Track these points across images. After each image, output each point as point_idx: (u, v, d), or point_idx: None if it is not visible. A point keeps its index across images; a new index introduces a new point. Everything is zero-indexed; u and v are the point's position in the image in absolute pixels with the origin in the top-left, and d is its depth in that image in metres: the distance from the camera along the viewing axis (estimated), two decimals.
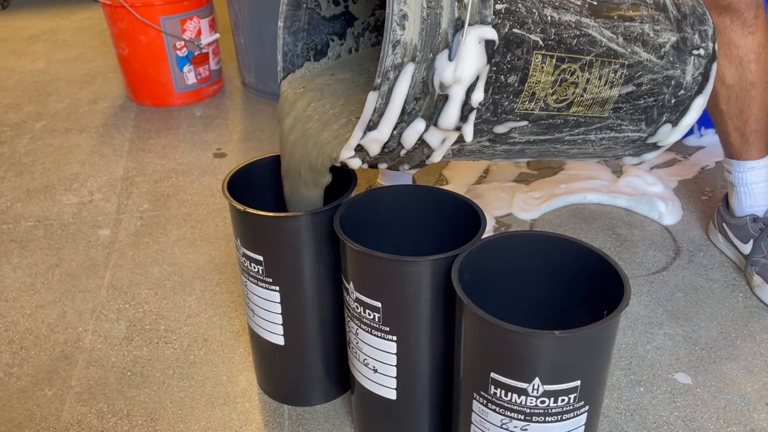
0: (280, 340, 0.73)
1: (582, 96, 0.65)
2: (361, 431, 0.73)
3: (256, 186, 0.74)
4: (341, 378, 0.78)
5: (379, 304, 0.61)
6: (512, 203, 1.13)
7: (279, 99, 0.72)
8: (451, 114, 0.58)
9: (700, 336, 0.87)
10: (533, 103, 0.63)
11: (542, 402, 0.52)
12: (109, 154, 1.39)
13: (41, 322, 0.92)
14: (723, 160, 0.98)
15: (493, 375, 0.53)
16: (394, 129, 0.58)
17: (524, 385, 0.52)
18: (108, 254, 1.07)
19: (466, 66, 0.56)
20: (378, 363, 0.64)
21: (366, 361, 0.65)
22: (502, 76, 0.59)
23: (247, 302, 0.74)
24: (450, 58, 0.56)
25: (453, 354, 0.61)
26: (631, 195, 1.14)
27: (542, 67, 0.61)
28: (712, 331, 0.88)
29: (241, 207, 0.65)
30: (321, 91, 0.71)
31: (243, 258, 0.70)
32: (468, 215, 0.65)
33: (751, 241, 0.95)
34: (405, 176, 1.06)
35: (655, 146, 0.78)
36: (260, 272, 0.69)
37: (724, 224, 1.00)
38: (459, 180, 1.20)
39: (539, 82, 0.61)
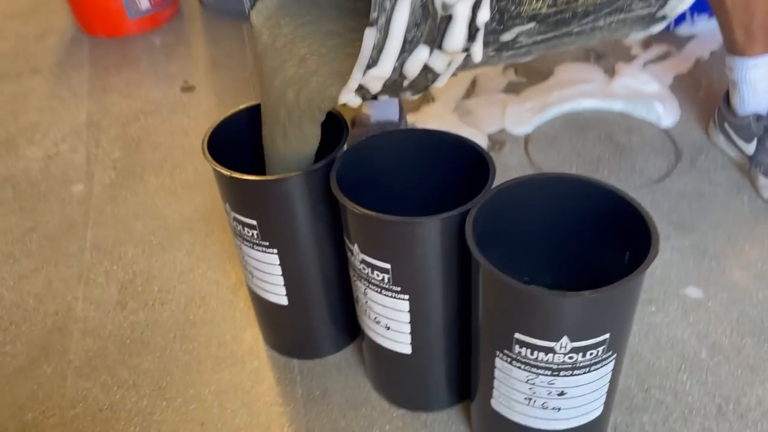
0: (283, 300, 0.70)
1: None
2: (375, 381, 0.72)
3: (238, 140, 0.68)
4: (349, 326, 0.75)
5: (388, 266, 0.57)
6: (504, 118, 1.08)
7: (253, 35, 0.65)
8: (457, 35, 0.52)
9: (707, 246, 0.85)
10: (540, 2, 0.57)
11: (570, 358, 0.50)
12: (68, 98, 1.29)
13: (27, 293, 0.88)
14: (725, 58, 0.92)
15: (517, 335, 0.51)
16: (396, 62, 0.53)
17: (551, 344, 0.50)
18: (85, 212, 1.01)
19: None
20: (390, 321, 0.62)
21: (377, 320, 0.63)
22: None
23: (243, 264, 0.70)
24: None
25: (469, 304, 0.58)
26: (627, 98, 1.09)
27: None
28: (719, 240, 0.86)
29: (226, 172, 0.60)
30: (302, 21, 0.64)
31: (234, 222, 0.65)
32: (473, 159, 0.60)
33: (755, 141, 0.92)
34: (391, 105, 1.00)
35: (663, 18, 0.72)
36: (255, 236, 0.64)
37: (725, 124, 0.96)
38: (446, 96, 1.14)
39: None
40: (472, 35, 0.52)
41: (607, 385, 0.55)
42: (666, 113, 1.05)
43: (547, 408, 0.54)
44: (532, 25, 0.58)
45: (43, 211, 1.02)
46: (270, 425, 0.70)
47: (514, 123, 1.07)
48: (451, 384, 0.67)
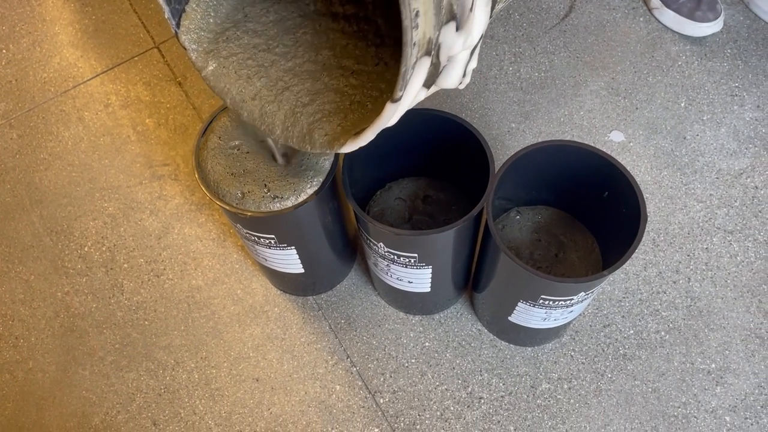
0: (299, 270, 0.76)
1: None
2: (390, 301, 0.84)
3: None
4: (350, 254, 0.84)
5: (415, 255, 0.65)
6: None
7: (200, 73, 0.60)
8: (453, 76, 0.54)
9: (619, 83, 0.96)
10: None
11: (584, 297, 0.64)
12: None
13: (11, 302, 0.88)
14: None
15: (542, 295, 0.63)
16: None
17: (571, 298, 0.63)
18: (11, 189, 0.94)
19: (476, 32, 0.50)
20: (413, 280, 0.71)
21: (401, 279, 0.72)
22: None
23: (255, 254, 0.74)
24: (457, 30, 0.50)
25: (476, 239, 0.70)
26: None
27: None
28: (627, 75, 0.97)
29: (239, 211, 0.61)
30: (247, 47, 0.60)
31: (248, 235, 0.68)
32: (464, 135, 0.65)
33: None
34: None
35: None
36: (272, 243, 0.68)
37: None
38: None
39: None
40: (465, 73, 0.54)
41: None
42: None
43: (557, 320, 0.70)
44: None
45: None
46: (315, 362, 0.82)
47: None
48: (457, 289, 0.81)
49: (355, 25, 0.62)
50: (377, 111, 0.55)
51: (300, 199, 0.62)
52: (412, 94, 0.50)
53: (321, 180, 0.62)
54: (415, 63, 0.48)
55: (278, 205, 0.61)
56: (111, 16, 1.09)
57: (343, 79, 0.59)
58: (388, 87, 0.58)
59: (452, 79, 0.54)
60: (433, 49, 0.49)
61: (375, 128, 0.53)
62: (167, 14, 0.58)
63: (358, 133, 0.54)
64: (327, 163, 0.63)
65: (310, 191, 0.62)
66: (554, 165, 0.66)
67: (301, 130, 0.58)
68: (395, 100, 0.49)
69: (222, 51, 0.60)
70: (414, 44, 0.46)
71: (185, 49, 0.60)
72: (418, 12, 0.45)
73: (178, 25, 0.59)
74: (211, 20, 0.61)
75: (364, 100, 0.58)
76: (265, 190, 0.62)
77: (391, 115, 0.51)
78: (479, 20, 0.50)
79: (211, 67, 0.60)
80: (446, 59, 0.51)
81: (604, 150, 0.91)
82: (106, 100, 1.01)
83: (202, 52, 0.60)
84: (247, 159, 0.63)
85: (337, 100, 0.58)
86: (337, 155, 0.64)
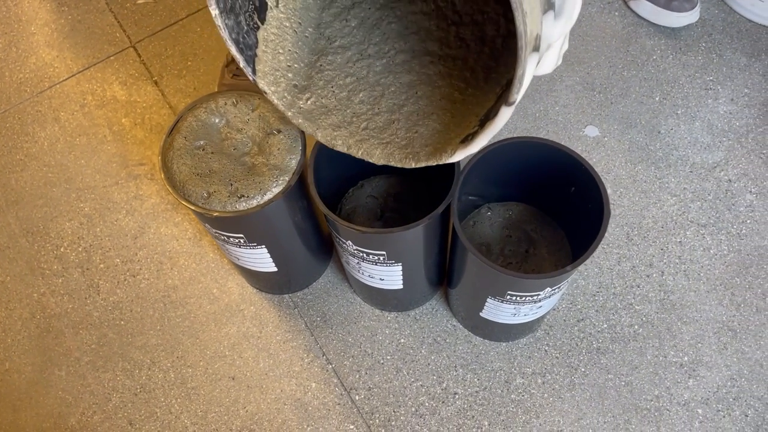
0: (272, 269, 0.76)
1: None
2: (366, 299, 0.84)
3: None
4: (325, 251, 0.84)
5: (383, 252, 0.65)
6: None
7: (286, 112, 0.59)
8: (550, 62, 0.53)
9: (594, 78, 0.97)
10: None
11: (551, 292, 0.64)
12: None
13: None
14: None
15: (509, 291, 0.63)
16: None
17: (537, 294, 0.63)
18: None
19: (575, 15, 0.50)
20: (385, 278, 0.72)
21: (372, 276, 0.72)
22: None
23: (227, 252, 0.74)
24: (555, 17, 0.50)
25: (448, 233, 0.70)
26: None
27: None
28: (603, 69, 0.97)
29: (205, 211, 0.61)
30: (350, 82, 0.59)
31: (218, 234, 0.68)
32: None
33: None
34: None
35: None
36: (242, 242, 0.68)
37: None
38: None
39: None
40: (558, 58, 0.54)
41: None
42: None
43: (527, 315, 0.70)
44: None
45: None
46: (291, 360, 0.82)
47: None
48: (432, 285, 0.81)
49: (432, 3, 0.60)
50: (468, 108, 0.54)
51: (266, 198, 0.62)
52: (524, 91, 0.50)
53: (287, 179, 0.62)
54: (526, 59, 0.47)
55: (244, 204, 0.61)
56: (87, 15, 1.08)
57: (432, 66, 0.57)
58: (472, 76, 0.57)
59: (549, 65, 0.53)
60: (540, 44, 0.49)
61: (488, 134, 0.51)
62: (242, 63, 0.56)
63: (465, 140, 0.53)
64: (293, 162, 0.63)
65: (276, 190, 0.62)
66: (520, 162, 0.66)
67: (400, 142, 0.57)
68: (510, 104, 0.48)
69: (318, 82, 0.59)
70: (526, 46, 0.45)
71: (265, 93, 0.58)
72: (526, 13, 0.44)
73: (254, 71, 0.57)
74: (282, 58, 0.59)
75: (452, 92, 0.57)
76: (231, 190, 0.62)
77: (506, 118, 0.50)
78: (578, 2, 0.49)
79: (308, 102, 0.59)
80: (545, 48, 0.51)
81: (579, 145, 0.91)
82: (82, 100, 1.00)
83: (282, 92, 0.58)
84: (212, 159, 0.63)
85: (429, 94, 0.57)
86: (303, 152, 0.64)
